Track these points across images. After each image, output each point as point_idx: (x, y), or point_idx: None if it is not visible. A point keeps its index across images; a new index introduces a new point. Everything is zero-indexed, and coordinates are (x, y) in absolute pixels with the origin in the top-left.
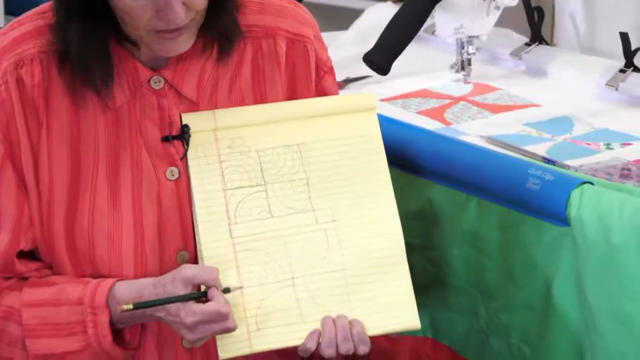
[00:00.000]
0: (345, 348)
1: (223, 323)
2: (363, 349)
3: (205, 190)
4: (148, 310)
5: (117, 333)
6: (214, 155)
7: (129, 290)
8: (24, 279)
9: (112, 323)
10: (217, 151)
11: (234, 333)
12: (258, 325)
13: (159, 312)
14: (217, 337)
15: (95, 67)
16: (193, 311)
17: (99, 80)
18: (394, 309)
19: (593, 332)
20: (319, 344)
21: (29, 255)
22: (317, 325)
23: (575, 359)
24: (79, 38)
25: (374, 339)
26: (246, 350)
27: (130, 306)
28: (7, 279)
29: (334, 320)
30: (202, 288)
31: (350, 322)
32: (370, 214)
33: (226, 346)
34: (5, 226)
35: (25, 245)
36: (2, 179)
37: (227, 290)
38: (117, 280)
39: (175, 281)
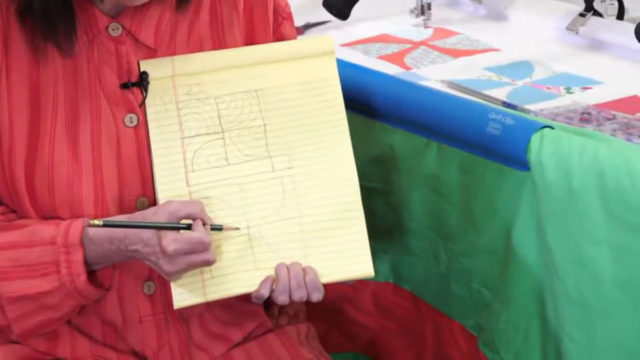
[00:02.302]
0: (299, 295)
1: (203, 254)
2: (317, 296)
3: (163, 139)
4: (123, 245)
5: (90, 274)
6: (172, 102)
7: (103, 228)
8: None
9: (86, 263)
10: (175, 98)
11: (188, 282)
12: (212, 274)
13: (135, 245)
14: (173, 286)
15: (59, 23)
16: (175, 238)
17: (61, 35)
18: (349, 256)
19: (553, 275)
20: (272, 290)
21: None
22: (271, 273)
23: (535, 303)
24: None
25: (336, 286)
26: (200, 299)
27: (101, 222)
28: None
29: (287, 268)
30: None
31: (304, 270)
32: (327, 161)
33: (181, 295)
34: None
35: None
36: None
37: (219, 229)
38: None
39: (158, 214)
